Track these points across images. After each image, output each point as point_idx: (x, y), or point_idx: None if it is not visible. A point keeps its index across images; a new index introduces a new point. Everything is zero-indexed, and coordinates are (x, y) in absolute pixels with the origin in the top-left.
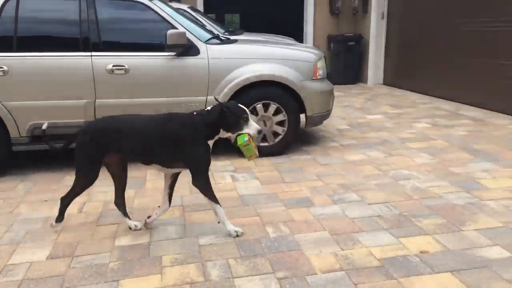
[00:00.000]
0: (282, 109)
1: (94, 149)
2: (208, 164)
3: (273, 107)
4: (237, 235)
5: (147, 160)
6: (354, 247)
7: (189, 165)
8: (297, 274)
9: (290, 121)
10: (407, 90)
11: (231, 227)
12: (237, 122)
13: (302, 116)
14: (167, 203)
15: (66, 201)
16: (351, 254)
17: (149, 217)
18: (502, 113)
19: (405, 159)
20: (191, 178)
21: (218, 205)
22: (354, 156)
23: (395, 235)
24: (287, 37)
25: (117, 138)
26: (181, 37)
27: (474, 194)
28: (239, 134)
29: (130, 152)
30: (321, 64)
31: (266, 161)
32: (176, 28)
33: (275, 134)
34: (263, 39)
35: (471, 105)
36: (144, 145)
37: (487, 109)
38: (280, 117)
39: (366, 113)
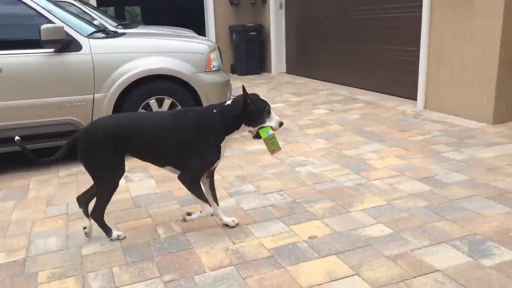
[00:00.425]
0: (178, 104)
1: (111, 147)
2: (209, 166)
3: (167, 101)
4: (236, 225)
5: (160, 162)
6: (246, 239)
7: (189, 160)
8: (185, 275)
9: None
10: (308, 77)
11: (226, 219)
12: (261, 115)
13: None
14: (214, 204)
15: (98, 216)
16: (242, 248)
17: (189, 213)
18: (392, 95)
19: (302, 146)
20: (180, 172)
21: (207, 205)
22: (253, 146)
23: (286, 223)
24: (187, 29)
25: (128, 138)
26: (58, 32)
27: (362, 175)
28: (261, 127)
29: (142, 153)
30: (214, 55)
31: None
32: (53, 23)
33: None
34: (157, 32)
35: (365, 89)
36: (156, 146)
37: (379, 92)
38: None
39: (270, 102)
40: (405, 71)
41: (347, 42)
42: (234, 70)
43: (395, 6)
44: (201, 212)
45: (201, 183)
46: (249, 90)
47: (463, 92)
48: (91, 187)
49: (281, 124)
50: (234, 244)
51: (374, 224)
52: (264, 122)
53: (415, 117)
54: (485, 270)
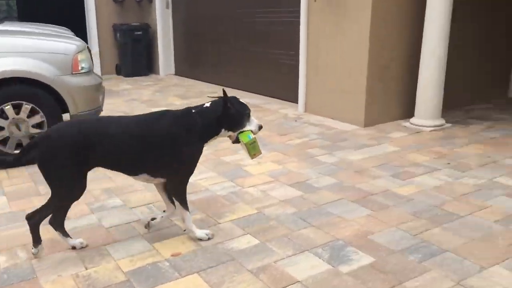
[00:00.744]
0: (39, 110)
1: (76, 157)
2: (193, 169)
3: (26, 107)
4: (209, 238)
5: (133, 170)
6: (101, 262)
7: (175, 169)
8: None
9: (50, 123)
10: (197, 80)
11: (199, 233)
12: (241, 119)
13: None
14: (171, 205)
15: (36, 221)
16: (95, 273)
17: (153, 219)
18: (277, 98)
19: None
20: (168, 181)
21: (188, 212)
22: None
23: (150, 240)
24: (63, 27)
25: (95, 147)
26: None
27: (237, 183)
28: (241, 132)
29: (112, 162)
30: (83, 56)
31: (23, 171)
32: None
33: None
34: (20, 29)
35: (252, 92)
36: (128, 153)
37: (265, 95)
38: (37, 119)
39: (153, 105)
40: (288, 74)
41: (234, 44)
42: (119, 71)
43: (277, 10)
44: (163, 214)
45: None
46: (134, 93)
47: (338, 96)
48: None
49: (260, 127)
50: (86, 269)
51: (242, 236)
52: (244, 126)
53: (295, 121)
54: (342, 277)
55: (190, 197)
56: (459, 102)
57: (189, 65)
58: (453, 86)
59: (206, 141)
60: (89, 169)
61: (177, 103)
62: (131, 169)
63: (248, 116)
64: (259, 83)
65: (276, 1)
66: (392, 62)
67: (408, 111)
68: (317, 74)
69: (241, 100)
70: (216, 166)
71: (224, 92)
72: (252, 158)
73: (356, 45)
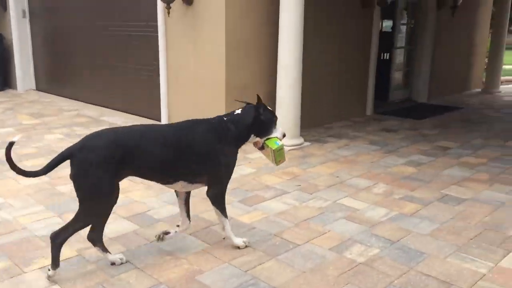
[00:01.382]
0: None
1: (109, 167)
2: (231, 175)
3: None
4: (246, 246)
5: (171, 178)
6: None
7: (213, 176)
8: None
9: None
10: (59, 95)
11: (238, 240)
12: (270, 125)
13: None
14: (187, 220)
15: (61, 240)
16: None
17: (167, 233)
18: (140, 116)
19: (9, 183)
20: (208, 189)
21: (227, 220)
22: None
23: None
24: None
25: (131, 157)
26: None
27: (66, 218)
28: (268, 138)
29: (147, 171)
30: None
31: None
32: None
33: None
34: None
35: (115, 109)
36: (165, 161)
37: (128, 113)
38: None
39: None
40: (151, 91)
41: (94, 58)
42: None
43: (136, 24)
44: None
45: (177, 195)
46: None
47: (199, 113)
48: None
49: (284, 135)
50: None
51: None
52: (271, 132)
53: None
54: None
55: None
56: (319, 121)
57: (50, 80)
58: (314, 105)
59: (239, 147)
60: (121, 179)
61: (26, 123)
62: (169, 177)
63: (275, 123)
64: (122, 100)
65: (135, 14)
66: (250, 82)
67: None
68: (177, 93)
69: (268, 107)
70: (48, 197)
71: (258, 97)
72: (277, 164)
73: (213, 64)
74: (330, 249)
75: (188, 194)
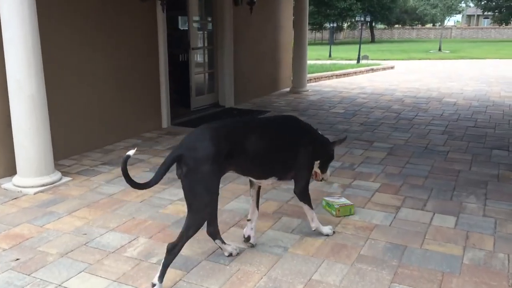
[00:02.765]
0: None
1: (222, 164)
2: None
3: None
4: (334, 232)
5: (267, 172)
6: None
7: (301, 172)
8: None
9: None
10: None
11: (325, 229)
12: (330, 160)
13: None
14: (256, 210)
15: (177, 250)
16: None
17: (248, 238)
18: None
19: None
20: (296, 185)
21: (314, 212)
22: None
23: None
24: None
25: (240, 151)
26: None
27: None
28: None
29: (247, 167)
30: None
31: None
32: None
33: None
34: None
35: None
36: (263, 157)
37: None
38: None
39: None
40: None
41: None
42: None
43: None
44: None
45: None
46: None
47: None
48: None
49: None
50: None
51: None
52: (327, 168)
53: None
54: None
55: None
56: (96, 142)
57: None
58: (88, 124)
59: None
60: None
61: None
62: (264, 172)
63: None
64: None
65: None
66: None
67: (12, 167)
68: None
69: None
70: None
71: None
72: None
73: None
74: None
75: (259, 189)
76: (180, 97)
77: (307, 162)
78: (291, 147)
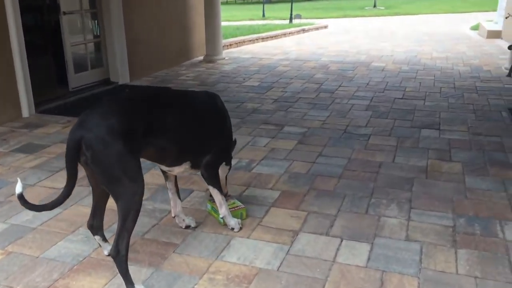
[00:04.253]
0: None
1: (132, 144)
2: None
3: None
4: (240, 228)
5: (182, 156)
6: None
7: (215, 151)
8: None
9: None
10: None
11: (233, 222)
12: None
13: None
14: (178, 200)
15: (124, 252)
16: None
17: (188, 226)
18: None
19: None
20: (203, 166)
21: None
22: None
23: None
24: None
25: (157, 126)
26: None
27: None
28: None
29: (166, 146)
30: None
31: None
32: None
33: None
34: None
35: None
36: (184, 135)
37: None
38: None
39: None
40: None
41: None
42: None
43: None
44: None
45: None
46: None
47: None
48: (96, 203)
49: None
50: None
51: None
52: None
53: None
54: None
55: None
56: None
57: None
58: None
59: None
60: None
61: None
62: (179, 156)
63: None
64: None
65: None
66: None
67: None
68: None
69: None
70: None
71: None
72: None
73: None
74: None
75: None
76: (59, 75)
77: (225, 140)
78: (211, 129)
